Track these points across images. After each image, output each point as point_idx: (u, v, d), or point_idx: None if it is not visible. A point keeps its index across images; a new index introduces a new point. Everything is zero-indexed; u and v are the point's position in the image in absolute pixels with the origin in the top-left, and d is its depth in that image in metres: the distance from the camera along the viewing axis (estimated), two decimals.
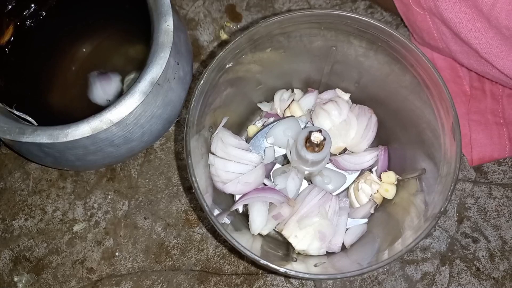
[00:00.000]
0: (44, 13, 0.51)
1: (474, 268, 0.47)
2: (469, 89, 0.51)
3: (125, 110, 0.39)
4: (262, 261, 0.31)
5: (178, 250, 0.49)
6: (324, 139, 0.36)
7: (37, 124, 0.43)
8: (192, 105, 0.34)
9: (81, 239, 0.49)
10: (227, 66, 0.37)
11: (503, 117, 0.50)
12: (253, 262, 0.34)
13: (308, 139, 0.36)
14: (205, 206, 0.33)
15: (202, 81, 0.35)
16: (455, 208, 0.49)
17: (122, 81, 0.49)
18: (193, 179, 0.33)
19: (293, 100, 0.45)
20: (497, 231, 0.48)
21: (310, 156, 0.37)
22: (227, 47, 0.35)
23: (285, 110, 0.46)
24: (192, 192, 0.49)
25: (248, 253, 0.31)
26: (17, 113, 0.42)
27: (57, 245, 0.49)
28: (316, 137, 0.35)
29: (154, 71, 0.39)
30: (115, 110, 0.38)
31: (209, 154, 0.40)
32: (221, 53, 0.35)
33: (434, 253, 0.47)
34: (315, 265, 0.36)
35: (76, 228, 0.50)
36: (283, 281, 0.47)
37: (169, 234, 0.49)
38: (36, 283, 0.48)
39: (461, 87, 0.52)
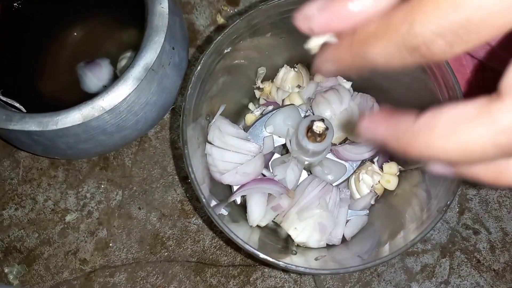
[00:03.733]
0: None
1: (474, 260, 0.46)
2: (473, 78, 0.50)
3: (117, 97, 0.37)
4: (262, 256, 0.30)
5: (173, 241, 0.47)
6: (327, 128, 0.34)
7: (25, 111, 0.41)
8: (189, 92, 0.33)
9: (74, 230, 0.48)
10: (225, 51, 0.36)
11: None
12: (250, 254, 0.33)
13: (310, 129, 0.35)
14: (202, 197, 0.31)
15: (199, 67, 0.33)
16: (457, 199, 0.48)
17: (114, 64, 0.47)
18: (190, 169, 0.31)
19: (298, 86, 0.43)
20: (498, 223, 0.47)
21: (311, 146, 0.35)
22: (225, 31, 0.34)
23: (284, 98, 0.45)
24: (188, 182, 0.48)
25: (246, 246, 0.30)
26: (4, 99, 0.40)
27: (49, 235, 0.48)
28: (318, 127, 0.34)
29: (148, 56, 0.37)
30: (107, 96, 0.37)
31: (206, 143, 0.38)
32: (219, 37, 0.34)
33: (434, 244, 0.47)
34: (316, 259, 0.35)
35: (68, 218, 0.49)
36: (280, 273, 0.46)
37: (164, 224, 0.48)
38: (28, 274, 0.47)
39: (464, 76, 0.50)
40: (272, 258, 0.29)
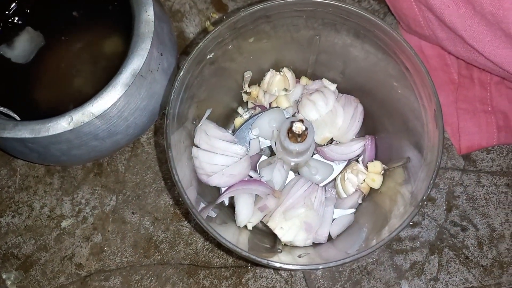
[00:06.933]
0: (28, 11, 0.50)
1: (463, 256, 0.47)
2: (457, 77, 0.51)
3: (107, 103, 0.38)
4: (245, 253, 0.31)
5: (166, 244, 0.48)
6: (306, 129, 0.35)
7: (19, 119, 0.42)
8: (172, 97, 0.34)
9: (69, 235, 0.49)
10: (208, 56, 0.37)
11: (491, 105, 0.50)
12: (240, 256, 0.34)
13: (290, 130, 0.36)
14: (187, 200, 0.32)
15: (181, 72, 0.34)
16: (444, 196, 0.49)
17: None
18: (174, 171, 0.32)
19: (284, 89, 0.44)
20: (486, 219, 0.48)
21: (293, 146, 0.36)
22: (207, 37, 0.35)
23: (271, 102, 0.46)
24: None
25: (229, 245, 0.31)
26: None
27: (45, 241, 0.49)
28: (297, 128, 0.35)
29: (136, 62, 0.39)
30: (96, 103, 0.38)
31: (193, 146, 0.39)
32: (201, 43, 0.35)
33: (423, 242, 0.47)
34: (299, 256, 0.35)
35: (64, 224, 0.50)
36: (272, 273, 0.47)
37: (157, 228, 0.49)
38: (25, 280, 0.48)
39: (449, 75, 0.51)
40: (254, 255, 0.30)
